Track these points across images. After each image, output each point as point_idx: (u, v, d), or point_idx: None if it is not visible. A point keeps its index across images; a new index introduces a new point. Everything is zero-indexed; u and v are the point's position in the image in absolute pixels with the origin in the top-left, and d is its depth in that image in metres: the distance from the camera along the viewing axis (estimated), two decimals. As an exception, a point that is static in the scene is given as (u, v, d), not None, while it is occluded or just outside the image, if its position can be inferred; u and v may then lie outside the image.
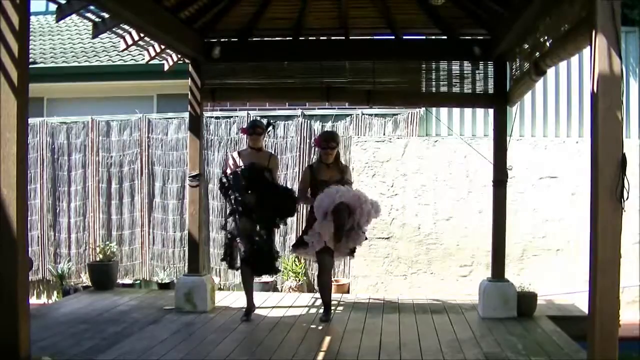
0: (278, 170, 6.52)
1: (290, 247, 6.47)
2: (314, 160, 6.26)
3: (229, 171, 6.04)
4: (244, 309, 6.17)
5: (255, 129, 6.14)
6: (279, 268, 6.45)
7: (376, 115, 8.98)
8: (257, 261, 5.90)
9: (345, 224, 5.64)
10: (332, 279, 8.74)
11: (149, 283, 9.28)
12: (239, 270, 6.22)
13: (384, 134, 8.93)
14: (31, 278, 9.18)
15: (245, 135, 6.32)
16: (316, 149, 6.52)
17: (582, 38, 3.91)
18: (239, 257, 6.00)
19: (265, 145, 9.00)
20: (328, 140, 6.05)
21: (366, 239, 6.21)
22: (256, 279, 8.61)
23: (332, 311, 6.30)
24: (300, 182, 6.41)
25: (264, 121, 6.40)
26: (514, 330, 5.62)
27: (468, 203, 8.52)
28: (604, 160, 3.44)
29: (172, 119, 9.34)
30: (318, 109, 9.20)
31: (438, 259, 8.52)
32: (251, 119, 6.36)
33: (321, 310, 6.29)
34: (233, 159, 6.19)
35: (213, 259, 9.06)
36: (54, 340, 5.20)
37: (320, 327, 5.77)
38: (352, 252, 6.13)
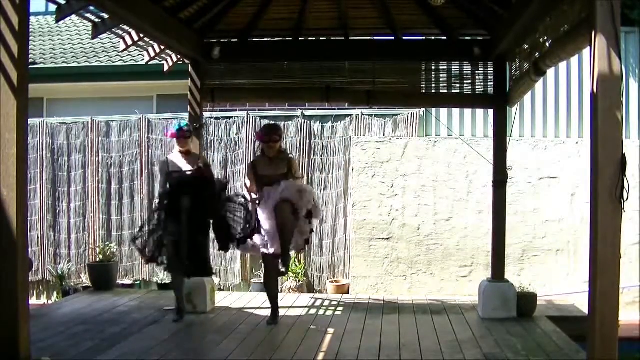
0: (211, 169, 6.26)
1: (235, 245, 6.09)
2: (258, 153, 6.13)
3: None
4: (176, 309, 6.05)
5: (182, 132, 5.92)
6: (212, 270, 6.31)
7: (376, 115, 8.98)
8: (190, 262, 5.79)
9: (288, 223, 5.59)
10: (331, 279, 8.76)
11: (149, 284, 9.28)
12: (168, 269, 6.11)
13: (384, 135, 8.93)
14: (31, 279, 9.18)
15: (174, 139, 6.03)
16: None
17: (582, 38, 3.92)
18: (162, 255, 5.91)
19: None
20: (270, 134, 5.79)
21: (312, 231, 6.02)
22: (256, 280, 8.66)
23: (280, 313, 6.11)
24: (245, 181, 6.16)
25: (184, 124, 6.21)
26: (514, 330, 5.62)
27: (468, 203, 8.52)
28: (604, 160, 3.44)
29: (172, 119, 9.33)
30: (318, 109, 9.20)
31: (438, 260, 8.52)
32: (178, 121, 6.16)
33: (321, 312, 6.28)
34: (167, 165, 5.99)
35: (213, 259, 9.03)
36: (54, 341, 5.20)
37: (320, 328, 5.76)
38: (305, 243, 6.03)
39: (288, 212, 5.57)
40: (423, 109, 8.83)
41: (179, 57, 6.95)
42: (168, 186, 5.90)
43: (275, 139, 5.78)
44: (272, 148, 5.78)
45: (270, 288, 5.98)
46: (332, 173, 8.95)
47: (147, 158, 9.35)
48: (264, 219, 5.68)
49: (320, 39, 7.25)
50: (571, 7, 4.26)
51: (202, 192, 5.81)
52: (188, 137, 5.99)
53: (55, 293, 9.38)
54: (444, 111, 8.88)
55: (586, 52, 3.92)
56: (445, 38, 6.75)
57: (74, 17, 6.50)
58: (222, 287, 8.86)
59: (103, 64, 10.58)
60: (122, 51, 7.45)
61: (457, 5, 6.26)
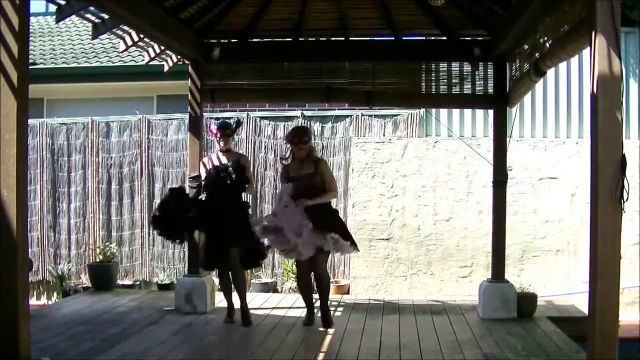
0: (250, 169, 6.30)
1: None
2: (288, 155, 6.13)
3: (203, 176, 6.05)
4: (227, 311, 6.11)
5: (224, 131, 5.99)
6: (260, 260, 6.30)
7: (376, 116, 8.98)
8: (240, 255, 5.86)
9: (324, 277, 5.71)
10: (331, 280, 8.75)
11: (149, 284, 9.28)
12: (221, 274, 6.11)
13: (384, 135, 8.93)
14: (31, 279, 9.17)
15: (215, 137, 6.14)
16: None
17: (582, 39, 3.92)
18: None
19: (265, 147, 9.05)
20: (300, 136, 5.83)
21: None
22: (256, 280, 8.67)
23: (331, 313, 6.22)
24: (281, 184, 6.18)
25: (232, 122, 6.30)
26: (514, 331, 5.62)
27: (468, 204, 8.51)
28: (604, 161, 3.44)
29: (172, 119, 9.34)
30: (318, 109, 9.20)
31: (438, 260, 8.52)
32: (220, 120, 6.27)
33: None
34: (204, 164, 6.11)
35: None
36: (54, 341, 5.20)
37: (320, 329, 5.76)
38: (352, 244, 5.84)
39: (324, 264, 5.70)
40: (423, 110, 8.83)
41: (179, 57, 6.95)
42: (206, 181, 5.92)
43: (305, 140, 5.83)
44: (302, 150, 5.82)
45: (304, 293, 6.00)
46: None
47: (147, 158, 9.35)
48: (290, 230, 5.51)
49: (320, 39, 7.25)
50: (571, 7, 4.26)
51: (239, 185, 5.85)
52: (230, 135, 6.05)
53: (55, 293, 9.38)
54: (444, 111, 8.88)
55: (586, 52, 3.92)
56: (445, 38, 6.74)
57: (74, 17, 6.50)
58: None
59: (103, 64, 10.58)
60: (122, 52, 7.45)
61: (457, 5, 6.26)
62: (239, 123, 6.30)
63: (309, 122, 9.00)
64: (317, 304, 5.93)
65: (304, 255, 5.49)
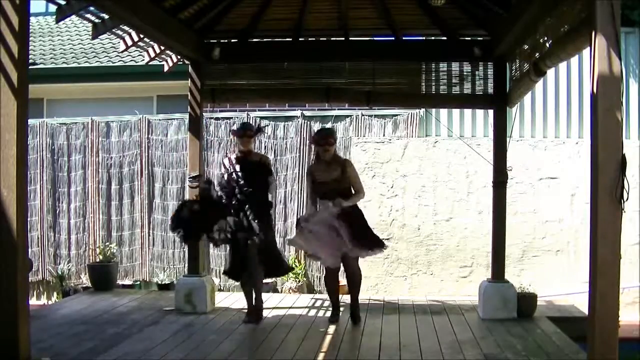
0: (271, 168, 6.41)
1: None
2: (312, 159, 6.20)
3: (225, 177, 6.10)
4: (245, 311, 6.16)
5: (245, 132, 6.07)
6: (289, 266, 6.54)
7: (376, 116, 8.98)
8: (267, 264, 5.97)
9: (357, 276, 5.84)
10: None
11: (149, 284, 9.28)
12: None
13: (384, 135, 8.93)
14: (31, 279, 9.17)
15: (235, 138, 6.22)
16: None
17: (582, 39, 3.92)
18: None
19: (265, 147, 9.05)
20: (326, 137, 5.92)
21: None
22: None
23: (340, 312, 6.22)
24: (307, 189, 6.25)
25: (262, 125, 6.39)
26: (514, 331, 5.62)
27: (468, 204, 8.51)
28: (604, 161, 3.44)
29: (172, 119, 9.34)
30: (318, 109, 9.20)
31: (438, 260, 8.52)
32: (241, 122, 6.33)
33: (321, 312, 6.28)
34: (224, 165, 6.16)
35: (213, 260, 9.06)
36: (54, 341, 5.20)
37: (320, 329, 5.76)
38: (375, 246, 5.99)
39: (355, 262, 5.80)
40: (423, 110, 8.83)
41: (179, 57, 6.95)
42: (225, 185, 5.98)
43: (331, 142, 5.90)
44: (328, 152, 5.89)
45: (331, 291, 6.08)
46: (332, 173, 8.93)
47: (147, 158, 9.35)
48: (319, 234, 5.65)
49: (320, 39, 7.25)
50: (571, 7, 4.26)
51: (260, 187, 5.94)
52: (251, 136, 6.13)
53: (55, 293, 9.38)
54: (444, 111, 8.88)
55: (586, 52, 3.92)
56: (445, 38, 6.74)
57: (74, 17, 6.50)
58: (222, 288, 8.84)
59: (103, 64, 10.58)
60: (122, 52, 7.46)
61: (457, 5, 6.26)
62: (260, 128, 6.35)
63: (309, 122, 9.00)
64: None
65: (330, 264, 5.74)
